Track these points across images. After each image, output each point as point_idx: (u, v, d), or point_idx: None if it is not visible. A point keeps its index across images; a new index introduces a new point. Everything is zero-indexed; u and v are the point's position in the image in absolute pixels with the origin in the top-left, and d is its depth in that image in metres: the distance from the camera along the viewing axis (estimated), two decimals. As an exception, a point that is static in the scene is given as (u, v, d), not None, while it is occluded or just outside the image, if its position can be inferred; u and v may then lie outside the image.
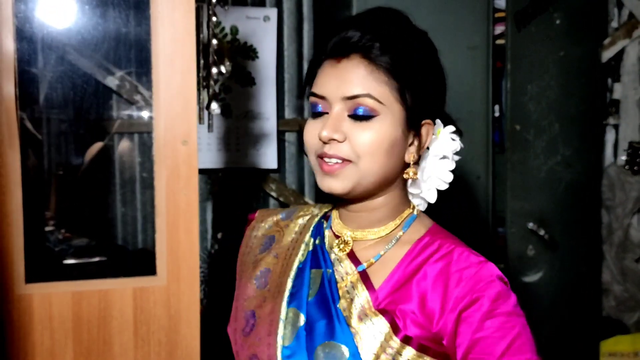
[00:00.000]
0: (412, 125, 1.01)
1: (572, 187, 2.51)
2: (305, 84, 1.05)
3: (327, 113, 0.99)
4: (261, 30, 2.69)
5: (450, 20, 2.32)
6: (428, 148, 1.04)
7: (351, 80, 0.96)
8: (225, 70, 1.44)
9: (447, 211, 2.38)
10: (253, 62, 2.69)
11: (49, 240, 2.45)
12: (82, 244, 2.56)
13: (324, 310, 1.00)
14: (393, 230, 1.05)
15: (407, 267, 1.01)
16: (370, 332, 0.97)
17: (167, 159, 1.49)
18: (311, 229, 1.10)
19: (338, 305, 1.00)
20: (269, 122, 2.71)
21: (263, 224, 1.15)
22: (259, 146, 2.72)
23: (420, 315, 0.97)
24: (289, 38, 2.74)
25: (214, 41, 1.55)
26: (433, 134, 1.05)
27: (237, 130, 2.71)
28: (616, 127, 3.27)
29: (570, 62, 2.48)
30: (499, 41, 2.46)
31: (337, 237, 1.07)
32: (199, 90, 1.64)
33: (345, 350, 0.96)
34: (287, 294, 1.03)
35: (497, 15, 2.46)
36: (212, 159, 2.69)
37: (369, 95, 0.96)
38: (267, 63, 2.69)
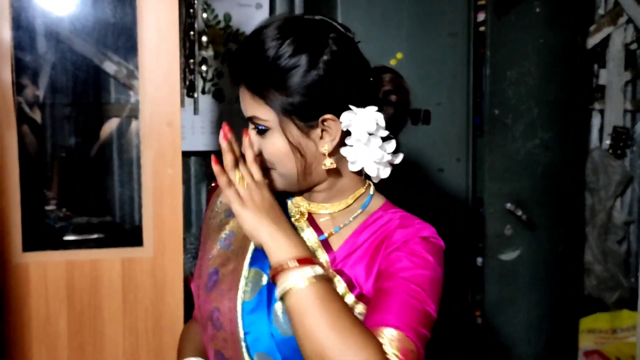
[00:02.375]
0: (308, 127, 1.08)
1: (550, 169, 2.56)
2: None
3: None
4: (253, 18, 2.77)
5: (432, 7, 2.38)
6: (350, 133, 1.10)
7: (245, 105, 1.10)
8: (211, 52, 1.54)
9: (428, 191, 2.47)
10: None
11: (49, 217, 2.56)
12: (82, 222, 2.67)
13: None
14: (348, 206, 1.16)
15: (359, 236, 1.14)
16: None
17: (153, 141, 1.60)
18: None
19: None
20: None
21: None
22: None
23: (368, 275, 1.10)
24: None
25: (197, 25, 1.64)
26: (342, 123, 1.09)
27: (230, 114, 2.80)
28: (602, 112, 3.36)
29: (549, 49, 2.52)
30: (482, 28, 2.51)
31: (298, 204, 1.19)
32: (186, 75, 1.74)
33: None
34: (249, 255, 1.12)
35: (480, 2, 2.51)
36: (205, 141, 2.78)
37: (255, 117, 1.08)
38: None
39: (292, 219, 1.17)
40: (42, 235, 2.19)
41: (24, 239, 1.56)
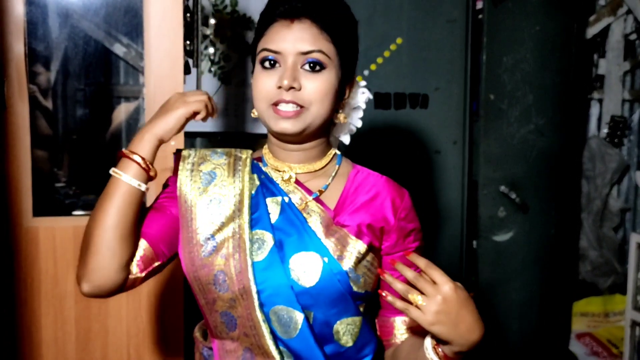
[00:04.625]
0: (347, 79, 1.21)
1: (544, 155, 2.61)
2: (255, 40, 1.22)
3: (279, 66, 1.15)
4: (260, 2, 2.80)
5: (431, -6, 2.45)
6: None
7: (306, 38, 1.14)
8: (210, 32, 1.61)
9: (425, 173, 2.54)
10: (251, 32, 2.82)
11: (59, 193, 2.65)
12: (90, 199, 2.76)
13: (291, 228, 1.18)
14: (326, 165, 1.25)
15: (350, 191, 1.23)
16: (338, 241, 1.17)
17: (157, 114, 1.68)
18: (248, 166, 1.23)
19: (307, 224, 1.18)
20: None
21: (194, 159, 1.24)
22: (256, 112, 2.87)
23: (371, 225, 1.20)
24: None
25: (199, 7, 1.71)
26: (360, 86, 1.26)
27: (236, 97, 2.86)
28: (600, 101, 3.41)
29: (545, 36, 2.57)
30: (481, 16, 2.56)
31: (278, 171, 1.24)
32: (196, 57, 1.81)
33: (318, 256, 1.15)
34: (247, 218, 1.17)
35: (479, -10, 2.58)
36: (212, 123, 2.83)
37: (320, 51, 1.14)
38: None
39: (282, 182, 1.23)
40: (53, 202, 2.27)
41: (37, 203, 1.64)
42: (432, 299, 1.04)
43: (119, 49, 2.81)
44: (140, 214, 1.17)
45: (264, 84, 1.16)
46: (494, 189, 2.58)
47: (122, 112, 2.93)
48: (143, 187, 1.14)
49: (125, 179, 1.13)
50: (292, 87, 1.13)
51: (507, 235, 2.61)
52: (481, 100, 2.55)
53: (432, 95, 2.50)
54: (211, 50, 2.49)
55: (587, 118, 3.43)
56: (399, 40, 2.48)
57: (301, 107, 1.14)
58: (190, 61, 1.84)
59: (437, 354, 1.10)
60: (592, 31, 3.30)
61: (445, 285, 1.05)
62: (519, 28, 2.54)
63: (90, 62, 2.80)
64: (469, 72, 2.52)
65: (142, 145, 1.14)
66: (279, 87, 1.13)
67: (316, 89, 1.14)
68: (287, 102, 1.13)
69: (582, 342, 3.03)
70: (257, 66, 1.18)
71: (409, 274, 1.07)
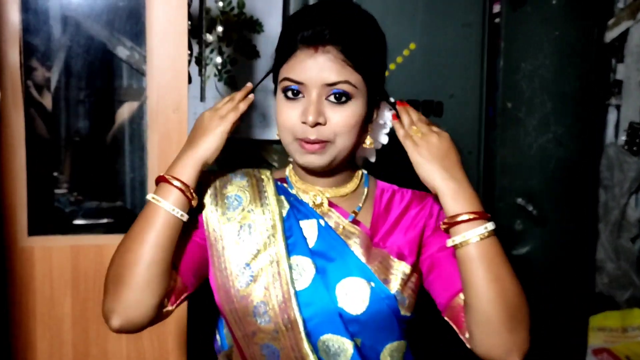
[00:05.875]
0: (374, 102, 1.16)
1: (563, 165, 2.54)
2: (275, 68, 1.14)
3: (302, 97, 1.09)
4: (267, 4, 2.75)
5: (446, -3, 2.36)
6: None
7: (332, 68, 1.07)
8: (212, 39, 1.53)
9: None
10: (258, 35, 2.76)
11: (59, 201, 2.57)
12: (92, 206, 2.68)
13: (332, 253, 1.14)
14: (357, 187, 1.22)
15: (382, 210, 1.20)
16: (381, 264, 1.14)
17: (159, 126, 1.60)
18: (272, 187, 1.18)
19: (348, 248, 1.14)
20: (272, 94, 2.77)
21: (216, 183, 1.18)
22: (262, 117, 2.80)
23: (409, 241, 1.17)
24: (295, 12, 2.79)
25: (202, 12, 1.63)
26: (387, 108, 1.23)
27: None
28: (618, 107, 3.31)
29: (565, 41, 2.49)
30: (498, 20, 2.49)
31: (309, 194, 1.20)
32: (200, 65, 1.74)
33: (364, 281, 1.12)
34: (283, 243, 1.12)
35: (495, -7, 2.50)
36: None
37: (347, 82, 1.08)
38: (272, 37, 2.74)
39: (312, 204, 1.18)
40: (50, 219, 2.20)
41: (33, 221, 1.56)
42: (427, 136, 1.10)
43: (122, 52, 2.72)
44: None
45: (288, 116, 1.10)
46: (510, 201, 2.50)
47: (125, 111, 2.86)
48: (185, 217, 1.07)
49: (167, 207, 1.05)
50: (317, 123, 1.08)
51: (524, 249, 2.54)
52: (498, 108, 2.48)
53: (446, 102, 2.41)
54: (218, 60, 2.40)
55: (604, 125, 3.33)
56: (412, 46, 2.39)
57: (327, 141, 1.10)
58: (196, 69, 1.75)
59: (452, 223, 1.05)
60: (610, 35, 3.19)
61: (434, 135, 1.10)
62: (538, 33, 2.46)
63: (92, 65, 2.72)
64: (485, 78, 2.44)
65: (185, 170, 1.07)
66: (304, 122, 1.08)
67: (342, 121, 1.09)
68: (313, 141, 1.09)
69: (599, 358, 2.94)
70: (280, 94, 1.13)
71: (401, 131, 1.12)
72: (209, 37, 1.63)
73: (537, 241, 2.55)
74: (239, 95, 1.18)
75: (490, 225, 1.04)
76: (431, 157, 1.08)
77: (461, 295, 1.08)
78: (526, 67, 2.46)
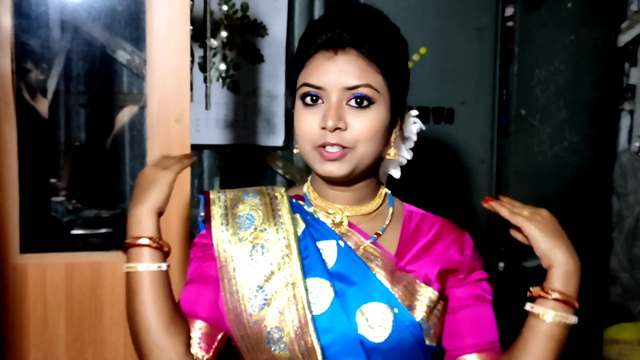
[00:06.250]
0: (398, 110, 1.10)
1: (579, 173, 2.50)
2: (292, 73, 1.10)
3: (322, 102, 1.05)
4: (271, 7, 2.68)
5: (458, 0, 2.32)
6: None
7: (351, 71, 1.03)
8: (217, 44, 1.46)
9: (449, 195, 2.40)
10: (262, 39, 2.69)
11: (57, 210, 2.49)
12: (91, 215, 2.60)
13: (352, 276, 1.07)
14: (380, 206, 1.16)
15: (409, 234, 1.14)
16: (406, 289, 1.08)
17: (160, 136, 1.52)
18: (287, 205, 1.13)
19: (370, 271, 1.08)
20: (277, 99, 2.71)
21: (226, 202, 1.14)
22: (267, 123, 2.73)
23: (438, 269, 1.11)
24: (300, 15, 2.72)
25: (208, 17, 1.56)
26: (412, 115, 1.18)
27: (245, 107, 2.71)
28: (632, 112, 3.23)
29: (581, 46, 2.45)
30: (509, 23, 2.46)
31: (326, 213, 1.14)
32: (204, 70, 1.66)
33: (387, 307, 1.05)
34: (299, 264, 1.06)
35: (508, -4, 2.45)
36: (219, 135, 2.69)
37: (368, 85, 1.03)
38: (276, 40, 2.68)
39: (331, 223, 1.13)
40: (45, 232, 2.12)
41: (25, 237, 1.48)
42: (536, 212, 1.10)
43: (122, 56, 2.65)
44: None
45: (306, 124, 1.06)
46: None
47: (125, 115, 2.79)
48: (164, 267, 1.05)
49: (142, 268, 1.03)
50: (337, 128, 1.03)
51: (537, 261, 2.46)
52: (511, 115, 2.45)
53: (457, 109, 2.38)
54: (222, 67, 2.34)
55: (617, 131, 3.25)
56: (422, 50, 2.35)
57: (347, 147, 1.04)
58: (200, 76, 1.67)
59: (547, 296, 1.05)
60: (624, 39, 3.10)
61: (542, 210, 1.10)
62: (553, 37, 2.43)
63: (91, 68, 2.65)
64: (497, 84, 2.40)
65: (144, 225, 1.04)
66: (323, 128, 1.03)
67: (363, 127, 1.04)
68: (333, 144, 1.03)
69: (613, 372, 2.87)
70: (298, 101, 1.07)
71: (505, 211, 1.10)
72: (214, 42, 1.55)
73: (551, 253, 2.48)
74: (179, 155, 1.16)
75: (575, 319, 1.05)
76: (550, 231, 1.08)
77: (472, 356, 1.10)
78: (541, 73, 2.43)
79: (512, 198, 2.39)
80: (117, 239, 2.51)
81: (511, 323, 2.56)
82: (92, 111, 2.74)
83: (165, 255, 1.05)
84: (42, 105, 2.43)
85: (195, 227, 2.74)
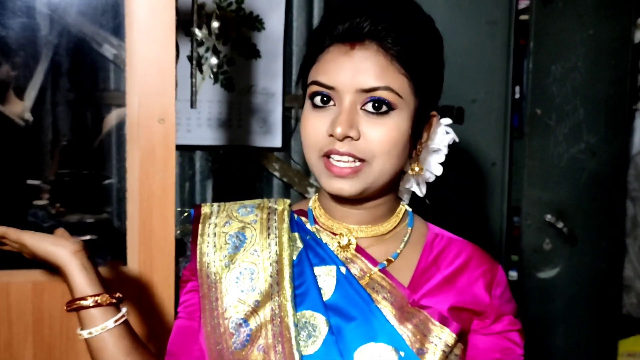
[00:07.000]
0: (424, 119, 0.97)
1: (596, 177, 2.41)
2: (303, 70, 0.97)
3: (333, 105, 0.91)
4: (268, 0, 2.57)
5: (469, -9, 2.25)
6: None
7: (369, 70, 0.89)
8: (201, 35, 1.31)
9: (458, 200, 2.28)
10: (259, 33, 2.60)
11: (37, 215, 2.36)
12: (74, 220, 2.47)
13: (352, 310, 0.94)
14: (396, 226, 1.02)
15: (429, 262, 1.00)
16: (417, 329, 0.94)
17: (141, 139, 1.37)
18: (286, 222, 0.99)
19: (374, 304, 0.94)
20: (274, 97, 2.61)
21: (217, 219, 1.02)
22: (263, 123, 2.62)
23: (459, 307, 0.97)
24: (299, 8, 2.64)
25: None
26: (441, 124, 1.04)
27: (240, 106, 2.61)
28: (646, 113, 3.13)
29: (600, 41, 2.35)
30: (523, 17, 2.37)
31: (332, 233, 1.01)
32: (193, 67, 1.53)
33: (391, 349, 0.92)
34: (290, 294, 0.93)
35: (522, -12, 2.41)
36: (212, 135, 2.59)
37: (388, 88, 0.89)
38: (274, 35, 2.59)
39: (336, 246, 0.98)
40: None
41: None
42: None
43: (108, 51, 2.51)
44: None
45: (312, 128, 0.92)
46: (538, 217, 2.36)
47: (113, 118, 2.66)
48: (122, 311, 1.01)
49: (98, 331, 0.98)
50: (347, 137, 0.88)
51: (554, 271, 2.41)
52: (525, 114, 2.37)
53: (468, 108, 2.28)
54: (214, 60, 2.21)
55: (631, 132, 3.13)
56: None
57: (361, 160, 0.89)
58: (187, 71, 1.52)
59: None
60: (639, 35, 2.99)
61: None
62: (570, 32, 2.33)
63: (76, 64, 2.52)
64: (511, 82, 2.33)
65: (79, 284, 1.00)
66: (331, 135, 0.88)
67: (381, 138, 0.90)
68: (342, 154, 0.89)
69: (629, 387, 2.76)
70: (307, 101, 0.92)
71: None
72: (198, 33, 1.39)
73: (566, 262, 2.41)
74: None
75: None
76: None
77: None
78: (557, 70, 2.33)
79: (527, 203, 2.31)
80: (102, 247, 2.37)
81: (528, 333, 2.49)
82: (76, 109, 2.61)
83: (118, 301, 1.01)
84: (18, 107, 2.29)
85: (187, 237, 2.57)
